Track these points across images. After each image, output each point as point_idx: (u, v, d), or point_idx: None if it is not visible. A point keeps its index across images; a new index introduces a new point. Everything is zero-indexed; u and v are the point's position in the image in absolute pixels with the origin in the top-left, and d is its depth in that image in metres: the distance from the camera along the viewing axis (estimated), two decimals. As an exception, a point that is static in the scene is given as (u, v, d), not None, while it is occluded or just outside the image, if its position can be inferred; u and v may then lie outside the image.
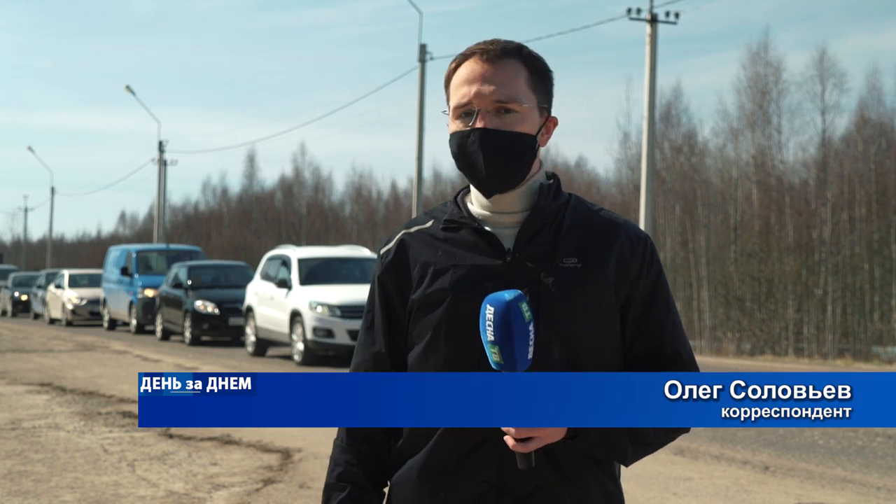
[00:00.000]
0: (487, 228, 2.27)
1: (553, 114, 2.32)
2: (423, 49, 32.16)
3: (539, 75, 2.28)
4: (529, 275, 2.22)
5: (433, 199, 60.50)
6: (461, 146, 2.25)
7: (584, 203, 2.33)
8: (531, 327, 2.05)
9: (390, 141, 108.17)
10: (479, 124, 2.23)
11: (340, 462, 2.31)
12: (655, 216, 40.07)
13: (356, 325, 17.74)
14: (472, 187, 2.35)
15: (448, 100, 2.32)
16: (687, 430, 2.25)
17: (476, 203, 2.33)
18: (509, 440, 2.08)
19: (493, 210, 2.29)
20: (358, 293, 18.37)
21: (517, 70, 2.25)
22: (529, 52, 2.29)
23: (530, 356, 2.06)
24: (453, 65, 2.29)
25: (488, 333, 2.05)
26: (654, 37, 27.24)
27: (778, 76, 41.37)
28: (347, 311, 17.87)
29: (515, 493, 2.19)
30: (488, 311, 2.04)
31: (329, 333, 17.88)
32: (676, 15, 27.48)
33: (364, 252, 21.09)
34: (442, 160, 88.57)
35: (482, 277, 2.22)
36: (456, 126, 2.27)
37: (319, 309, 17.97)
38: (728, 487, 7.78)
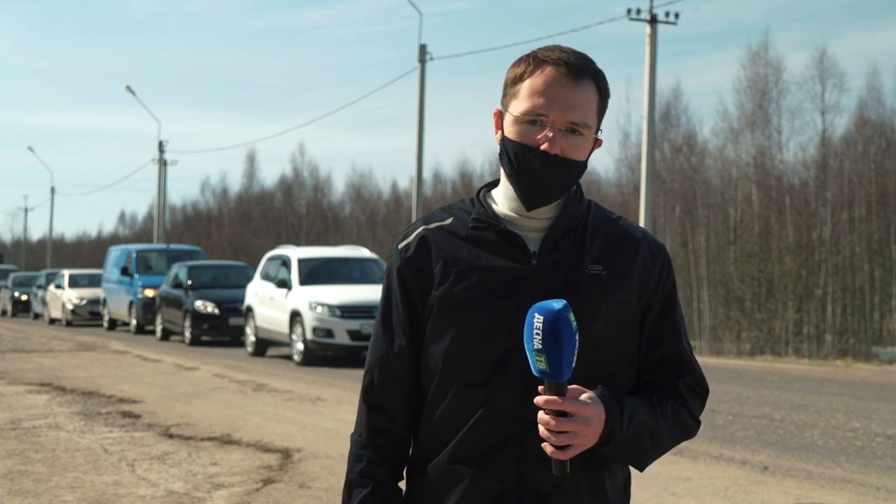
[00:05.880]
0: (513, 231, 2.27)
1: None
2: (423, 49, 32.19)
3: (604, 99, 2.27)
4: (555, 279, 2.23)
5: (433, 199, 60.44)
6: (521, 160, 2.22)
7: (602, 210, 2.37)
8: (577, 337, 2.03)
9: (390, 141, 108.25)
10: (547, 146, 2.19)
11: (361, 458, 2.28)
12: (655, 216, 40.08)
13: (356, 325, 17.76)
14: (500, 188, 2.34)
15: (508, 96, 2.26)
16: (697, 427, 2.32)
17: (502, 203, 2.32)
18: (548, 447, 2.07)
19: (520, 213, 2.29)
20: (358, 293, 18.38)
21: (592, 92, 2.23)
22: (599, 72, 2.27)
23: (573, 365, 2.05)
24: (527, 67, 2.23)
25: (535, 342, 2.01)
26: (653, 37, 27.25)
27: (778, 76, 41.41)
28: (347, 311, 17.88)
29: (534, 493, 2.20)
30: (536, 320, 2.00)
31: (329, 333, 17.88)
32: (676, 15, 27.51)
33: (364, 252, 21.08)
34: (442, 160, 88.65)
35: (507, 280, 2.23)
36: (519, 132, 2.22)
37: (319, 309, 17.98)
38: (727, 487, 7.78)
